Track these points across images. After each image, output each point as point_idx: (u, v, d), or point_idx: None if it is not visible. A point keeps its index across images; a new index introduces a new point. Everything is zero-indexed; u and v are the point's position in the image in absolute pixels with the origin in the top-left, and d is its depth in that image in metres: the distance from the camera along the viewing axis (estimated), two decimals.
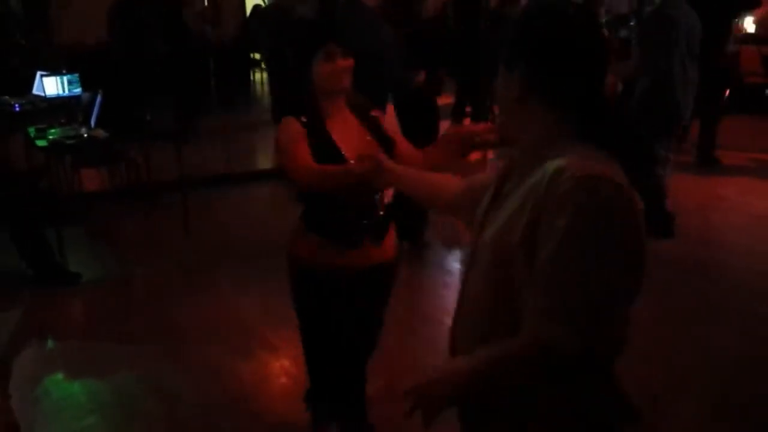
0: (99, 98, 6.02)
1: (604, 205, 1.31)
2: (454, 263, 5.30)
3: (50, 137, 5.65)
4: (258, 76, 13.67)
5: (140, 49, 8.09)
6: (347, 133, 2.57)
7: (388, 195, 2.78)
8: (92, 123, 5.90)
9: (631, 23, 10.71)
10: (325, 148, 2.51)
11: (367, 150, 2.41)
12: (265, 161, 8.62)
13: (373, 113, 2.70)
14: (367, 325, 2.90)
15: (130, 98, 6.93)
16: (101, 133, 5.80)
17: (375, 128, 2.65)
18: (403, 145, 2.68)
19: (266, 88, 11.64)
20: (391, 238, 2.77)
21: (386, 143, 2.60)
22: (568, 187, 1.31)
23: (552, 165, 1.36)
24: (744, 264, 5.07)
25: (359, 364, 2.96)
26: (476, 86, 8.27)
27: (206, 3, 11.32)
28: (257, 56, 13.29)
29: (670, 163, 5.50)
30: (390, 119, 2.84)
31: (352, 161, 2.35)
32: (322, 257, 2.65)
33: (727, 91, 7.69)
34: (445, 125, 5.14)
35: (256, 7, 10.10)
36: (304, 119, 2.54)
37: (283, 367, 3.92)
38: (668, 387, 3.60)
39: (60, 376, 3.85)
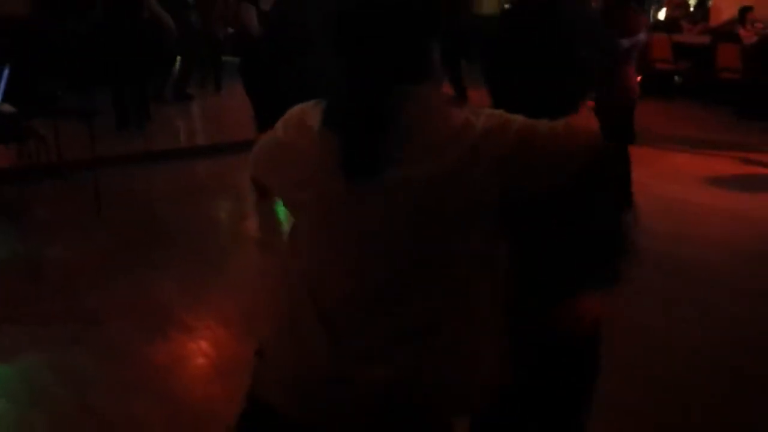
0: (6, 72, 5.76)
1: None
2: None
3: None
4: None
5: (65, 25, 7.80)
6: None
7: None
8: None
9: None
10: None
11: None
12: (181, 139, 8.45)
13: None
14: None
15: (40, 73, 6.67)
16: (8, 107, 5.56)
17: None
18: None
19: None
20: None
21: None
22: None
23: None
24: (662, 248, 5.18)
25: None
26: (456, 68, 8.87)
27: None
28: None
29: None
30: None
31: None
32: None
33: (639, 77, 7.94)
34: None
35: None
36: None
37: (200, 348, 3.87)
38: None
39: None
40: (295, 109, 1.50)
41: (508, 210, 1.45)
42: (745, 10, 10.56)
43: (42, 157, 6.11)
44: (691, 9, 12.66)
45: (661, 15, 12.73)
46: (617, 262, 1.77)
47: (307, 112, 1.46)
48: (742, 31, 10.41)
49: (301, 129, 1.45)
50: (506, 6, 5.46)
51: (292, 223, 1.57)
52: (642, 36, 5.69)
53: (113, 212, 5.82)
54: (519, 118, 1.42)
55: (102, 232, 5.46)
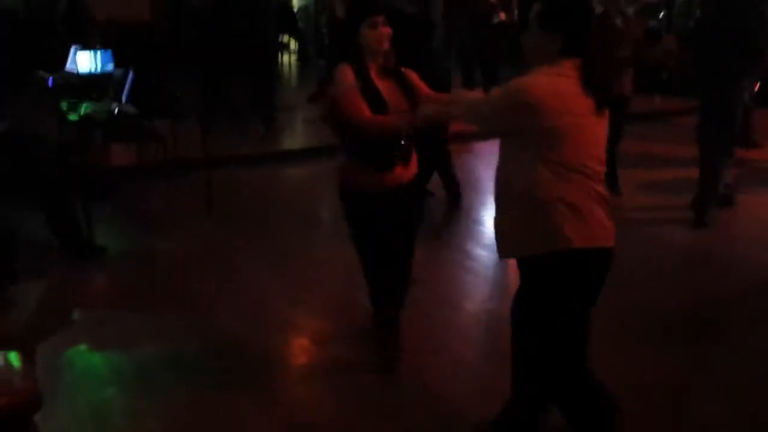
0: (131, 75, 6.09)
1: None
2: (473, 246, 5.31)
3: (82, 112, 5.72)
4: (286, 58, 13.73)
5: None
6: (383, 85, 3.34)
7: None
8: (123, 99, 5.97)
9: (661, 15, 10.72)
10: (373, 98, 3.27)
11: (397, 100, 3.32)
12: (293, 142, 8.65)
13: (402, 69, 3.44)
14: (405, 234, 3.58)
15: (163, 76, 6.99)
16: (131, 109, 5.86)
17: (401, 81, 3.40)
18: (424, 90, 3.45)
19: (293, 69, 11.65)
20: (414, 160, 3.52)
21: (410, 92, 3.38)
22: None
23: None
24: None
25: (401, 265, 3.62)
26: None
27: None
28: (286, 39, 13.45)
29: None
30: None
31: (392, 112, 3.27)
32: (363, 179, 3.37)
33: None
34: None
35: None
36: (355, 67, 3.31)
37: (302, 346, 3.97)
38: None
39: (83, 347, 3.93)
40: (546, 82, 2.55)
41: None
42: None
43: (159, 155, 6.41)
44: None
45: None
46: None
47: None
48: None
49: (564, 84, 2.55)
50: None
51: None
52: None
53: (225, 210, 6.05)
54: None
55: (213, 228, 5.68)
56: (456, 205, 6.14)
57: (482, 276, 4.97)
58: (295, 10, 14.00)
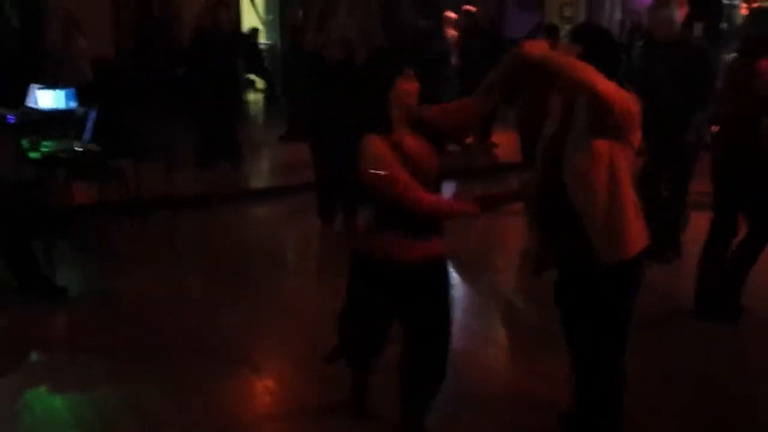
0: (93, 113, 6.04)
1: None
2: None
3: (43, 150, 5.66)
4: (252, 96, 13.76)
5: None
6: (414, 144, 3.00)
7: None
8: (86, 137, 5.92)
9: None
10: (406, 163, 2.91)
11: (428, 157, 2.99)
12: (260, 181, 8.62)
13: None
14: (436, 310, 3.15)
15: (126, 114, 6.95)
16: (94, 147, 5.81)
17: (426, 132, 3.05)
18: (440, 109, 3.10)
19: (261, 108, 11.64)
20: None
21: (435, 135, 3.06)
22: None
23: None
24: None
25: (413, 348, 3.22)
26: None
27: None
28: (252, 77, 13.47)
29: None
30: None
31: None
32: (394, 245, 3.00)
33: None
34: None
35: None
36: (384, 136, 2.96)
37: (266, 387, 3.91)
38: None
39: (42, 389, 3.84)
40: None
41: None
42: None
43: (122, 193, 6.34)
44: None
45: None
46: None
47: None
48: None
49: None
50: None
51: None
52: None
53: (189, 250, 6.00)
54: None
55: (178, 268, 5.61)
56: None
57: None
58: (261, 47, 14.05)
